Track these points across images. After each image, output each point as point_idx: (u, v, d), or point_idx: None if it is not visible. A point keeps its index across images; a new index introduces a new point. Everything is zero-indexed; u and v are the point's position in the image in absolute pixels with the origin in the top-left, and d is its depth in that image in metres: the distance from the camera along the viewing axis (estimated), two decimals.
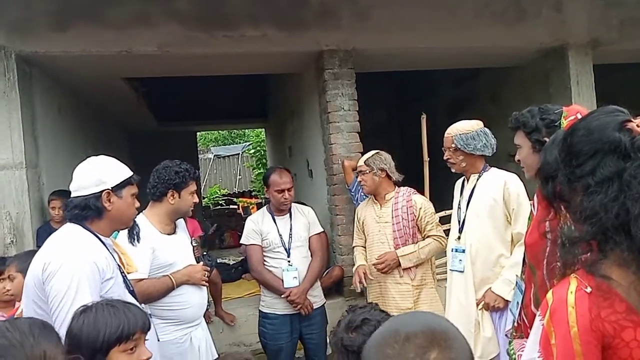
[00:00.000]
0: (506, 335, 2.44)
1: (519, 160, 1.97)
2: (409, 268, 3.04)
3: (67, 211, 1.86)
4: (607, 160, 1.00)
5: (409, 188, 3.26)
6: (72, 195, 1.86)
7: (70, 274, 1.65)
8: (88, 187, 1.83)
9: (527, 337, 1.65)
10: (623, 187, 0.96)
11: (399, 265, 3.03)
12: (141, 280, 2.28)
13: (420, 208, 3.11)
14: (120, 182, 1.88)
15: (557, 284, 1.03)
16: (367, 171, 3.18)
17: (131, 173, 1.96)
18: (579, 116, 1.59)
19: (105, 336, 1.40)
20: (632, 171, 0.96)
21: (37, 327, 1.17)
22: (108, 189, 1.84)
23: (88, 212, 1.82)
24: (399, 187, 3.24)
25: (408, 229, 3.07)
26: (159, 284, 2.36)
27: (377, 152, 3.27)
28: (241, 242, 3.40)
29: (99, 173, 1.86)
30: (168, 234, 2.50)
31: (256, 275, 3.28)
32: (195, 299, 2.49)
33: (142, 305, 2.00)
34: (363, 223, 3.27)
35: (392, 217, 3.10)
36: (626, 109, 1.09)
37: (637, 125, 1.02)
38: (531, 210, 1.88)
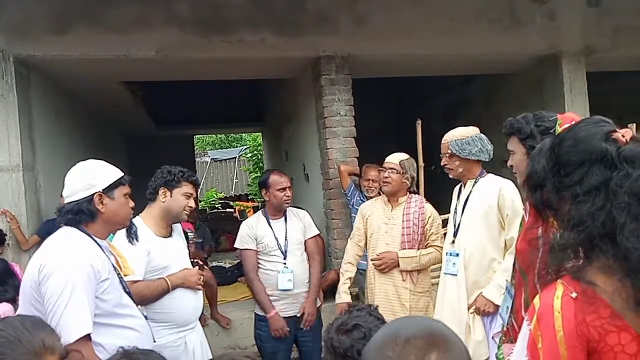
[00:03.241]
0: (493, 338, 2.47)
1: (511, 166, 1.99)
2: (411, 274, 3.02)
3: (60, 216, 1.87)
4: (594, 170, 1.02)
5: (420, 196, 3.26)
6: (65, 201, 1.88)
7: (66, 275, 1.66)
8: (79, 192, 1.84)
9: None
10: (609, 196, 0.98)
11: (398, 266, 3.00)
12: (136, 282, 2.29)
13: (429, 216, 3.09)
14: (111, 184, 1.89)
15: (544, 289, 1.06)
16: (400, 172, 3.07)
17: (122, 174, 1.96)
18: None
19: None
20: (618, 180, 0.98)
21: (28, 321, 1.19)
22: (99, 192, 1.86)
23: (81, 216, 1.83)
24: (410, 194, 3.20)
25: (417, 235, 3.04)
26: (154, 287, 2.36)
27: (409, 158, 3.18)
28: (235, 245, 3.42)
29: (88, 177, 1.87)
30: (163, 237, 2.50)
31: (248, 282, 3.34)
32: (190, 302, 2.49)
33: (139, 307, 2.01)
34: (367, 220, 3.19)
35: (403, 221, 3.07)
36: (611, 119, 1.12)
37: (622, 136, 1.05)
38: (523, 216, 1.90)
